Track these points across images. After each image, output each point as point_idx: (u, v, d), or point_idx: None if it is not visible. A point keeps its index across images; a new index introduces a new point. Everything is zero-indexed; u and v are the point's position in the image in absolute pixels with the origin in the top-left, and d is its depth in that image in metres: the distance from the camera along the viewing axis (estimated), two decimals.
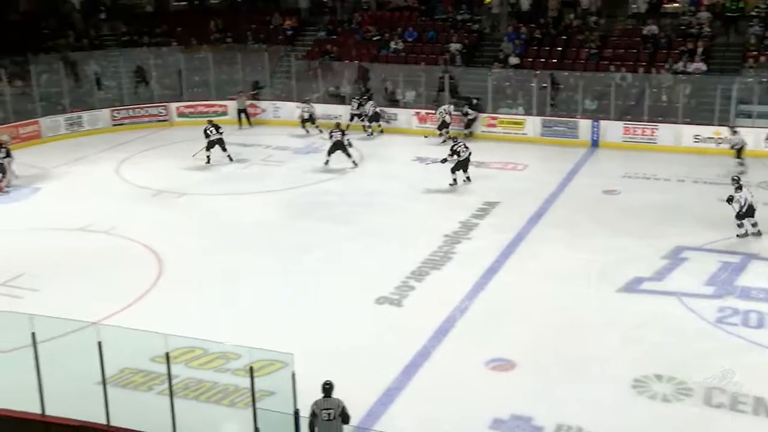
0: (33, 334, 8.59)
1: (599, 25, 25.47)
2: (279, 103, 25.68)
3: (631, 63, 23.72)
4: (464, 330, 11.79)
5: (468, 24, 26.84)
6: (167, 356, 8.37)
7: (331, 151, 20.11)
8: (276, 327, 11.76)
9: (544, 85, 23.02)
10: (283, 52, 27.62)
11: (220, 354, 10.40)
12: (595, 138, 22.17)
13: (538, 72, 23.50)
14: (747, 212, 14.76)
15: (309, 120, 23.79)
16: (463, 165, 18.52)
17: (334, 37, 28.06)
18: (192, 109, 25.79)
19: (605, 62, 23.98)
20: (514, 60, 24.76)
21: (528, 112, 23.33)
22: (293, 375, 8.00)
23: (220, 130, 20.69)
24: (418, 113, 23.76)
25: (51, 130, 23.80)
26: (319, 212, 17.05)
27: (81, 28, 28.50)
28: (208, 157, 20.59)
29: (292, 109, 25.38)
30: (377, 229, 15.99)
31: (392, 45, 26.68)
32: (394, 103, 24.51)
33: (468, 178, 18.70)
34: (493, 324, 11.91)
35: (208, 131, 20.60)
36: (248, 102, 25.30)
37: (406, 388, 10.32)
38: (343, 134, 20.29)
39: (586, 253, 14.41)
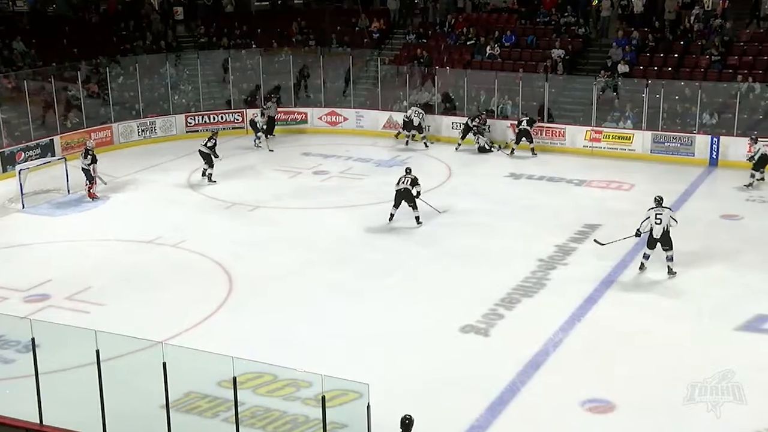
0: (97, 351, 8.94)
1: (724, 28, 24.71)
2: (362, 111, 26.00)
3: (761, 72, 22.89)
4: (558, 365, 11.60)
5: (573, 28, 26.52)
6: (234, 381, 8.56)
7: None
8: (351, 353, 11.87)
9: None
10: (369, 56, 27.99)
11: (291, 381, 10.54)
12: (713, 156, 21.47)
13: (650, 81, 22.99)
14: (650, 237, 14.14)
15: (416, 128, 23.72)
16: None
17: (425, 40, 28.23)
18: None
19: (729, 71, 23.24)
20: (623, 68, 24.31)
21: (637, 126, 22.83)
22: (368, 407, 8.03)
23: (209, 144, 20.84)
24: (513, 125, 23.61)
25: (124, 135, 24.82)
26: (403, 231, 17.12)
27: (158, 29, 29.64)
28: (210, 175, 20.75)
29: (375, 118, 25.67)
30: (464, 250, 15.95)
31: (488, 50, 26.63)
32: (489, 113, 24.44)
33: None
34: (591, 360, 11.66)
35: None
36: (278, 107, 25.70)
37: (492, 426, 10.21)
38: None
39: (700, 286, 13.95)
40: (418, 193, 17.23)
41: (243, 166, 22.34)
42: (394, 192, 17.26)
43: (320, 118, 26.33)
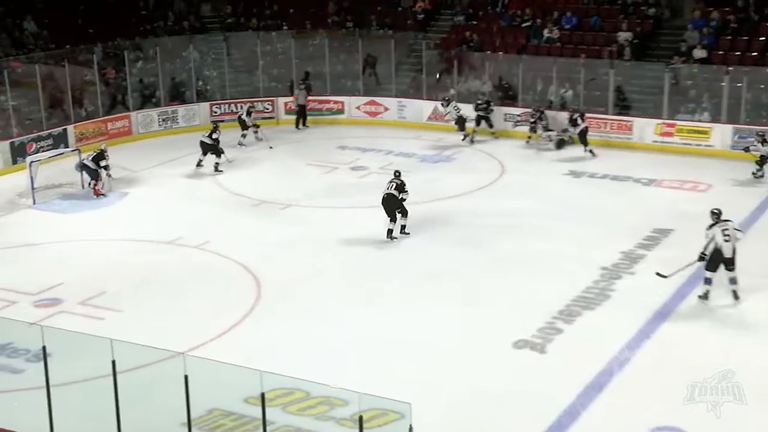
0: (113, 362, 9.05)
1: None
2: (405, 101, 26.02)
3: None
4: (623, 387, 11.47)
5: (642, 8, 26.24)
6: (262, 397, 8.60)
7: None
8: (392, 369, 11.85)
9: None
10: (413, 40, 27.99)
11: (324, 399, 10.56)
12: None
13: (731, 68, 22.64)
14: (715, 257, 13.65)
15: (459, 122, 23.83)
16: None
17: (475, 22, 28.16)
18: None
19: None
20: (699, 53, 23.97)
21: (715, 119, 22.51)
22: (410, 429, 8.01)
23: (214, 136, 21.24)
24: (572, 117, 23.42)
25: (143, 126, 25.17)
26: (448, 234, 17.10)
27: (181, 9, 29.96)
28: (217, 165, 21.28)
29: (419, 108, 25.67)
30: (518, 256, 15.86)
31: (545, 33, 26.47)
32: (547, 104, 24.30)
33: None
34: (661, 382, 11.50)
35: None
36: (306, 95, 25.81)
37: None
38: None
39: None
40: (403, 200, 16.87)
41: (273, 161, 22.49)
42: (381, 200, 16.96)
43: (358, 108, 26.43)
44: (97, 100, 24.73)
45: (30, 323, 11.76)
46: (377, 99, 26.36)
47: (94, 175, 19.63)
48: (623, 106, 23.80)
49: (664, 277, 14.07)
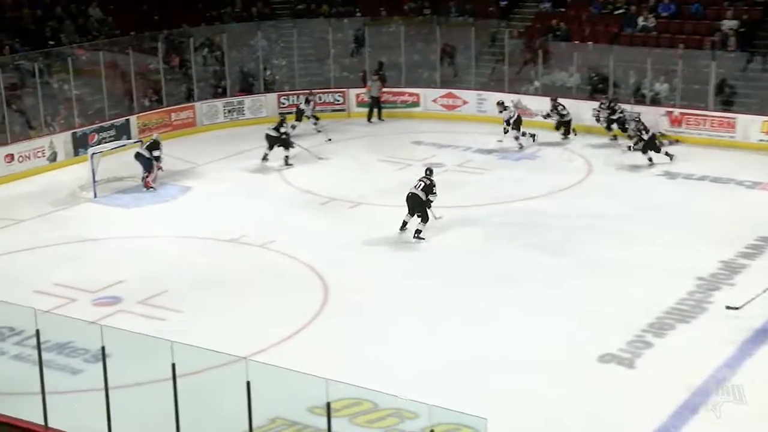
0: (173, 365, 9.22)
1: None
2: (485, 94, 25.89)
3: None
4: (721, 409, 11.18)
5: None
6: (328, 407, 8.66)
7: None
8: (465, 381, 11.83)
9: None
10: (495, 28, 27.86)
11: (394, 410, 10.59)
12: None
13: None
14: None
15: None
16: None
17: (562, 9, 27.89)
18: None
19: None
20: None
21: None
22: None
23: (282, 129, 21.53)
24: (670, 113, 23.02)
25: (208, 117, 25.60)
26: (528, 237, 17.01)
27: None
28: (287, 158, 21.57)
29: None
30: (604, 263, 15.70)
31: (640, 21, 26.06)
32: (639, 99, 23.93)
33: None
34: (765, 406, 11.21)
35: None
36: (380, 87, 25.81)
37: None
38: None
39: None
40: (429, 202, 16.79)
41: (343, 155, 22.64)
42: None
43: (435, 101, 26.42)
44: (161, 90, 25.20)
45: (89, 322, 12.07)
46: (455, 91, 26.30)
47: (148, 166, 20.06)
48: (726, 102, 23.29)
49: (736, 308, 13.57)
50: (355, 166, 21.88)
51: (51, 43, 25.05)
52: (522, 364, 12.33)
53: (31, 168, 21.48)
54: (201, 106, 25.55)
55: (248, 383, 8.88)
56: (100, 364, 9.74)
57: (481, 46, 27.36)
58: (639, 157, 21.52)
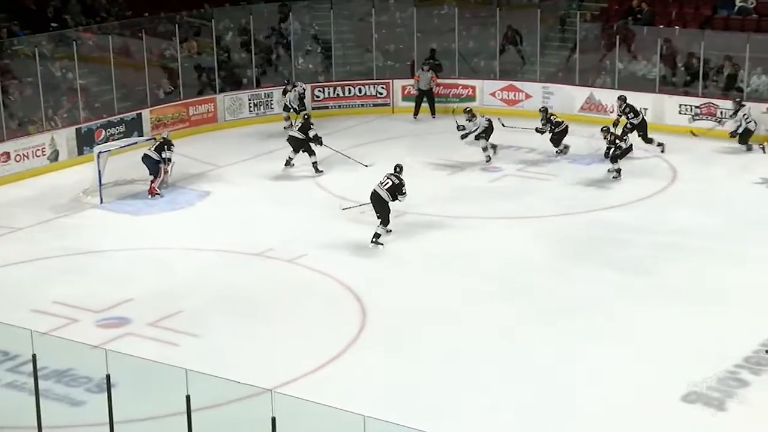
0: (187, 397, 9.31)
1: None
2: (552, 86, 25.87)
3: None
4: None
5: None
6: None
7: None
8: (522, 423, 11.81)
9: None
10: (565, 10, 27.80)
11: None
12: None
13: None
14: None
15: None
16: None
17: None
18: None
19: None
20: None
21: None
22: None
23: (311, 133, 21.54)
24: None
25: (230, 111, 25.81)
26: (603, 253, 16.96)
27: None
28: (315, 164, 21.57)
29: (570, 96, 25.47)
30: (691, 285, 15.62)
31: (738, 2, 25.83)
32: (737, 93, 23.72)
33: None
34: None
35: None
36: (434, 79, 25.87)
37: None
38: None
39: None
40: (398, 200, 17.46)
41: (386, 157, 22.60)
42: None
43: (493, 95, 26.46)
44: (177, 80, 25.45)
45: (92, 346, 12.22)
46: (517, 83, 26.31)
47: (155, 170, 20.23)
48: None
49: None
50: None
51: (54, 25, 25.39)
52: (591, 402, 12.25)
53: (29, 168, 21.78)
54: (223, 99, 25.76)
55: (273, 419, 8.94)
56: (104, 395, 9.87)
57: (547, 30, 27.33)
58: (733, 162, 21.36)
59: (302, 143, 21.49)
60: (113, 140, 22.52)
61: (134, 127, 23.70)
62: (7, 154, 21.52)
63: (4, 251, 17.57)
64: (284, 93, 24.89)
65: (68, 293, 15.59)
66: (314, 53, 27.94)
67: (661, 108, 24.25)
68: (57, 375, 12.51)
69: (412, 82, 26.34)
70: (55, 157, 22.40)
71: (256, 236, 18.00)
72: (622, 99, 22.82)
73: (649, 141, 22.51)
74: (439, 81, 26.21)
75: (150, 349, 13.18)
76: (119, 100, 24.11)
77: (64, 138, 22.61)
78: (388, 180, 17.48)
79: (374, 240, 17.38)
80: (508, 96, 26.31)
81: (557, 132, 22.38)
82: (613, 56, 25.59)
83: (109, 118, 23.51)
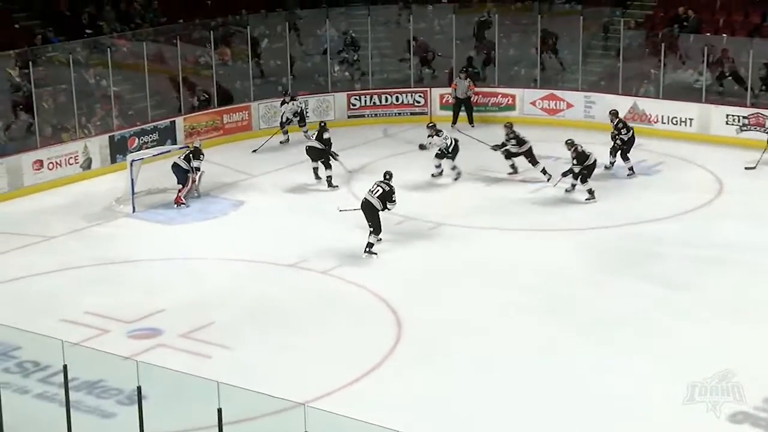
0: (219, 410, 9.37)
1: None
2: (594, 95, 25.83)
3: None
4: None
5: None
6: None
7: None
8: None
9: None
10: (608, 17, 27.72)
11: None
12: None
13: None
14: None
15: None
16: None
17: None
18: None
19: None
20: None
21: None
22: None
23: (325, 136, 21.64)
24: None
25: (265, 119, 25.94)
26: (643, 267, 16.92)
27: None
28: (330, 178, 21.57)
29: (613, 105, 25.21)
30: (737, 302, 15.51)
31: None
32: None
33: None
34: None
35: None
36: (471, 88, 25.86)
37: None
38: None
39: None
40: (387, 209, 17.61)
41: (422, 167, 22.68)
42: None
43: (533, 104, 26.46)
44: (211, 87, 25.64)
45: (123, 357, 12.32)
46: (558, 92, 26.29)
47: (183, 179, 20.37)
48: None
49: None
50: (436, 180, 21.98)
51: (88, 31, 25.70)
52: (632, 418, 12.19)
53: (62, 177, 22.07)
54: (258, 107, 25.91)
55: None
56: (135, 407, 9.95)
57: (590, 38, 27.27)
58: None
59: (321, 153, 21.54)
60: (146, 148, 22.75)
61: (168, 135, 23.92)
62: (41, 162, 21.79)
63: (37, 260, 17.76)
64: (281, 105, 24.71)
65: (100, 303, 15.74)
66: (351, 60, 28.03)
67: (707, 118, 24.15)
68: (88, 386, 12.61)
69: (450, 90, 26.36)
70: (88, 165, 22.66)
71: (290, 247, 18.09)
72: (613, 113, 22.39)
73: (626, 158, 21.89)
74: (478, 89, 26.22)
75: (181, 361, 13.25)
76: (153, 107, 24.34)
77: (98, 146, 22.88)
78: (378, 188, 17.63)
79: (368, 250, 17.53)
80: (548, 105, 26.29)
81: (521, 152, 21.58)
82: (657, 65, 25.48)
83: (142, 126, 23.74)
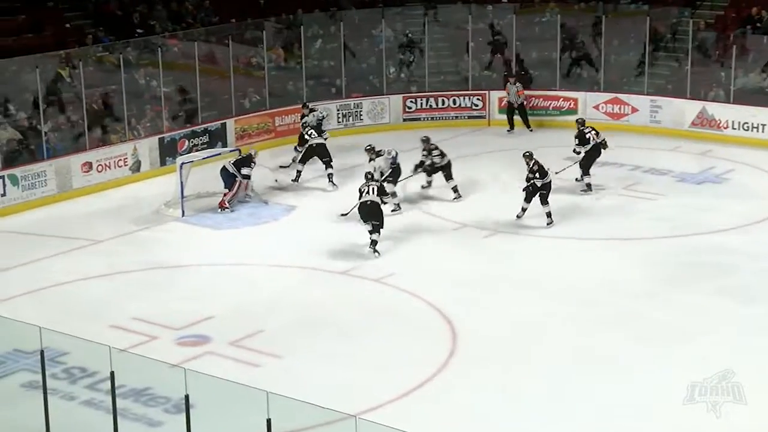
0: (268, 421, 9.46)
1: None
2: (660, 100, 25.68)
3: None
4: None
5: None
6: None
7: None
8: None
9: None
10: (677, 18, 27.53)
11: None
12: None
13: None
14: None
15: None
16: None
17: None
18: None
19: None
20: None
21: None
22: None
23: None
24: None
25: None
26: (709, 279, 16.80)
27: None
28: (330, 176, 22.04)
29: (680, 110, 25.29)
30: None
31: None
32: None
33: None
34: None
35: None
36: (521, 93, 25.78)
37: None
38: None
39: None
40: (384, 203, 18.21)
41: (480, 173, 22.71)
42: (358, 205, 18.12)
43: (597, 107, 26.35)
44: (263, 89, 25.85)
45: (171, 365, 12.48)
46: (622, 96, 26.17)
47: (229, 183, 20.55)
48: None
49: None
50: (494, 186, 22.01)
51: (139, 31, 26.05)
52: None
53: (110, 179, 22.41)
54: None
55: None
56: (183, 416, 10.08)
57: (657, 40, 27.11)
58: None
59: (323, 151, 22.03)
60: (196, 151, 22.97)
61: (218, 138, 24.15)
62: (89, 164, 22.14)
63: (85, 264, 18.05)
64: (302, 118, 23.81)
65: (148, 309, 15.95)
66: (407, 62, 28.10)
67: None
68: (135, 394, 12.79)
69: (504, 94, 26.31)
70: (137, 167, 22.97)
71: (342, 253, 18.23)
72: (580, 122, 22.04)
73: (586, 173, 21.39)
74: (539, 93, 26.20)
75: (230, 370, 13.38)
76: (203, 109, 24.57)
77: (147, 148, 23.17)
78: (370, 185, 18.15)
79: (373, 248, 17.96)
80: (612, 109, 26.16)
81: (442, 166, 21.08)
82: (727, 68, 25.28)
83: (192, 128, 24.01)
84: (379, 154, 20.78)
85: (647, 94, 26.05)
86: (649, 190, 21.49)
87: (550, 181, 19.35)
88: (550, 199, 19.33)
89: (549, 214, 19.27)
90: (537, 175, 19.13)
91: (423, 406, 12.99)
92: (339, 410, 10.02)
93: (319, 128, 22.89)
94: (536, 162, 19.29)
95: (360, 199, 18.09)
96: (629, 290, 16.54)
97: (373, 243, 17.96)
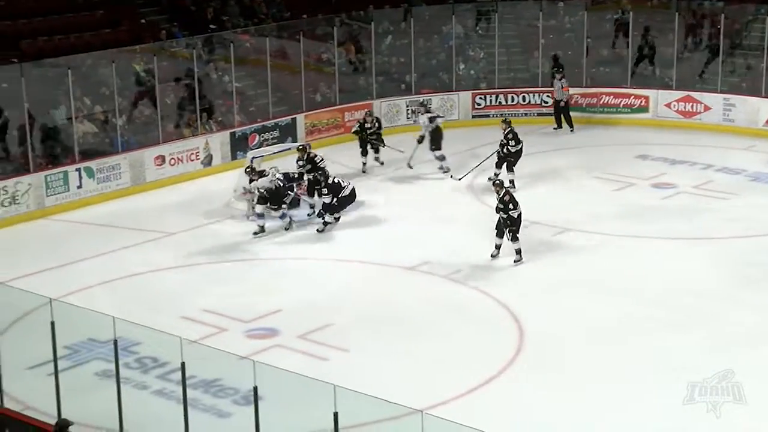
0: (335, 414, 9.57)
1: None
2: (734, 98, 25.43)
3: None
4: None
5: None
6: None
7: None
8: None
9: None
10: (754, 14, 27.18)
11: None
12: None
13: None
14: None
15: None
16: None
17: None
18: (592, 99, 26.64)
19: None
20: None
21: None
22: None
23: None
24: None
25: (388, 118, 26.18)
26: None
27: None
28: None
29: (755, 108, 25.03)
30: None
31: None
32: None
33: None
34: None
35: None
36: (566, 90, 25.59)
37: None
38: None
39: None
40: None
41: (547, 170, 22.67)
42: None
43: (668, 105, 26.14)
44: (334, 84, 26.02)
45: (240, 357, 12.65)
46: (695, 94, 25.92)
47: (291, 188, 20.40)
48: None
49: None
50: (561, 184, 21.97)
51: (212, 27, 26.35)
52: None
53: (183, 173, 22.77)
54: (380, 105, 26.20)
55: None
56: (251, 408, 10.21)
57: (734, 36, 26.80)
58: None
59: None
60: (267, 145, 23.22)
61: (288, 132, 24.37)
62: (162, 157, 22.50)
63: (157, 256, 18.38)
64: (420, 116, 23.64)
65: (218, 301, 16.19)
66: (477, 58, 28.10)
67: None
68: (205, 385, 13.04)
69: (579, 90, 26.22)
70: (209, 161, 23.30)
71: (410, 249, 18.29)
72: (506, 122, 21.59)
73: (511, 170, 21.33)
74: (609, 91, 26.03)
75: (298, 363, 13.51)
76: (274, 104, 24.80)
77: (218, 142, 23.48)
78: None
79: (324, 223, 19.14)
80: (684, 108, 25.91)
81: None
82: None
83: (263, 123, 24.26)
84: (261, 174, 19.64)
85: (721, 93, 25.74)
86: (723, 189, 21.28)
87: (520, 214, 17.48)
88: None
89: (518, 251, 17.54)
90: (510, 206, 17.32)
91: (488, 403, 13.05)
92: (405, 405, 10.09)
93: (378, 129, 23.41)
94: (507, 192, 17.76)
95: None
96: (702, 291, 16.38)
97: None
